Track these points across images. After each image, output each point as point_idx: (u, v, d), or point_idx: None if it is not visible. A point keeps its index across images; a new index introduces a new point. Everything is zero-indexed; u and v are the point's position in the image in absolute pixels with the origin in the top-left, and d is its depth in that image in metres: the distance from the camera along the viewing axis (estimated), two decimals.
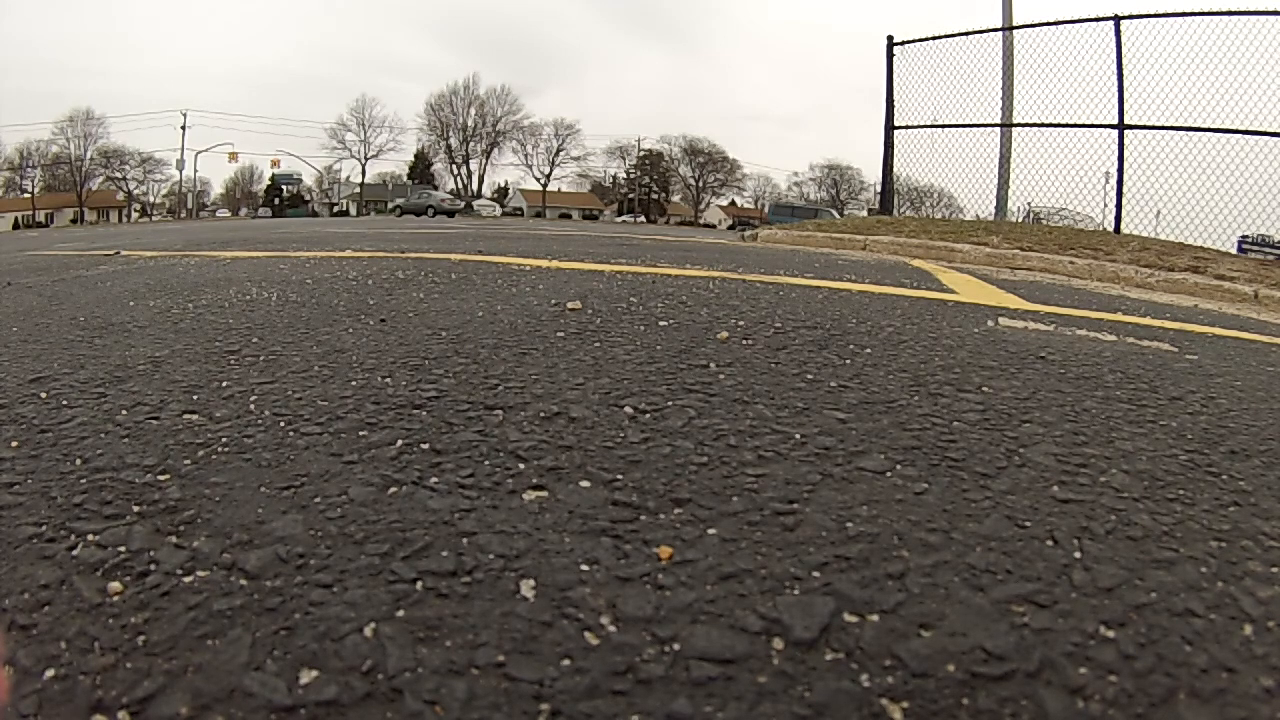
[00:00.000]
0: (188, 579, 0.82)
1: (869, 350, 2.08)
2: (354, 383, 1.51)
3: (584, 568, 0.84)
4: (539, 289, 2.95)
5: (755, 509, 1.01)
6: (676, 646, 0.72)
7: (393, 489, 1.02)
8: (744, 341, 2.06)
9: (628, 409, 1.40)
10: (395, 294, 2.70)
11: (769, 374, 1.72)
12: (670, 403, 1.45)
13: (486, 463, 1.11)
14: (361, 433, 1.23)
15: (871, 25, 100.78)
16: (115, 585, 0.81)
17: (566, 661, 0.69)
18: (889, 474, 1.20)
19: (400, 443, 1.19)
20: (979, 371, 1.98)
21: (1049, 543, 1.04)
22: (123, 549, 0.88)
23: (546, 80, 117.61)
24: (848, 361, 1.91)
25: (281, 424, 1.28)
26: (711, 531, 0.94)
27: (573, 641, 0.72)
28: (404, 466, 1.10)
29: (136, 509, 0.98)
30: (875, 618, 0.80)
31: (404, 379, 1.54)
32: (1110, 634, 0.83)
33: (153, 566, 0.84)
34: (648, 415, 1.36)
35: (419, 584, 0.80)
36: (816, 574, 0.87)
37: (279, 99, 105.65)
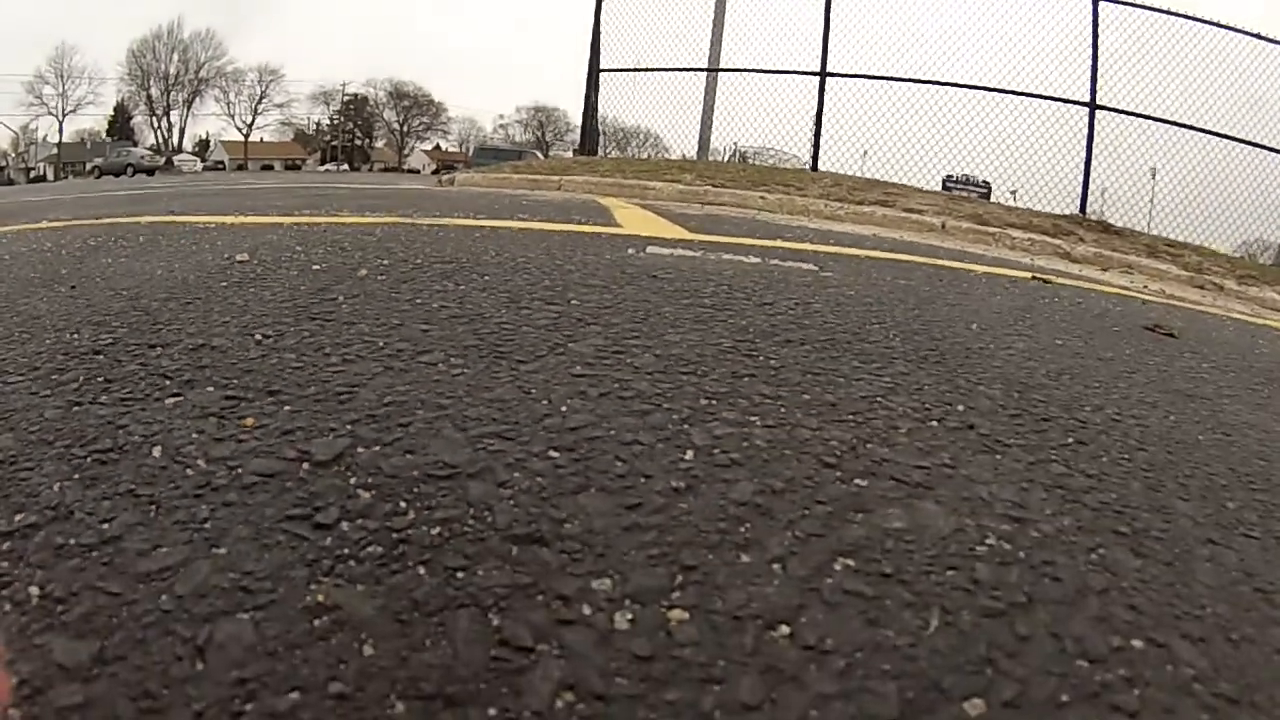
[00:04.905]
0: None
1: (486, 278, 2.66)
2: (48, 341, 1.95)
3: (194, 436, 1.45)
4: (216, 245, 3.25)
5: (323, 394, 1.65)
6: (240, 470, 1.35)
7: (75, 408, 1.56)
8: (379, 278, 2.57)
9: (256, 336, 1.93)
10: (85, 261, 2.96)
11: (384, 301, 2.27)
12: (291, 329, 1.99)
13: (143, 384, 1.66)
14: (54, 376, 1.72)
15: None
16: None
17: (174, 486, 1.31)
18: (440, 365, 1.80)
19: (82, 379, 1.69)
20: (578, 290, 2.47)
21: (543, 403, 1.45)
22: None
23: (250, 20, 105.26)
24: (462, 288, 2.49)
25: None
26: (286, 409, 1.57)
27: (179, 473, 1.34)
28: (84, 394, 1.62)
29: None
30: (376, 449, 1.41)
31: (88, 333, 1.98)
32: (554, 453, 1.26)
33: None
34: (270, 339, 1.92)
35: (89, 459, 1.37)
36: (348, 427, 1.51)
37: None
